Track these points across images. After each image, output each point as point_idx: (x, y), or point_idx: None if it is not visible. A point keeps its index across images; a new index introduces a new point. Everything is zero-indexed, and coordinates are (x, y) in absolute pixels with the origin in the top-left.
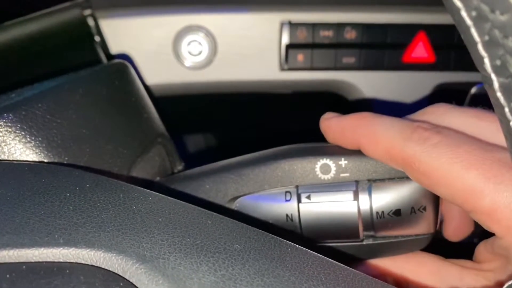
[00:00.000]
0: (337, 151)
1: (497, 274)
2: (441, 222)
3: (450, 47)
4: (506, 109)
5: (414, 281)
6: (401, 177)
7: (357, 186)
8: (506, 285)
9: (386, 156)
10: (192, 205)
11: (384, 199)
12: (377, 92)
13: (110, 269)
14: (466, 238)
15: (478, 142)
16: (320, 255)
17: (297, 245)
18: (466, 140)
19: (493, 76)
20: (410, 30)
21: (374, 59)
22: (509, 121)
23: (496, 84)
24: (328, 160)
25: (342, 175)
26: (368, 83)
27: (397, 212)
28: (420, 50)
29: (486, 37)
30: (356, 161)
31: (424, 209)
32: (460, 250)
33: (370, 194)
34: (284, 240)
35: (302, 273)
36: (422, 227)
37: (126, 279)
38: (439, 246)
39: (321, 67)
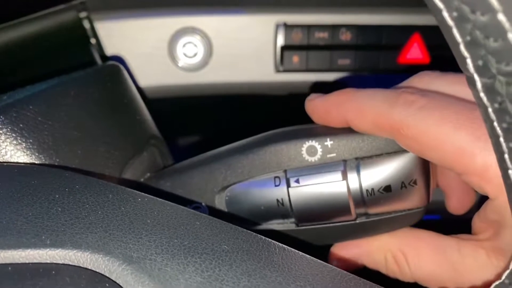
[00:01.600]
0: (321, 132)
1: (493, 241)
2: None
3: (445, 48)
4: (490, 109)
5: (413, 255)
6: (389, 153)
7: (345, 165)
8: (493, 285)
9: (373, 127)
10: (180, 206)
11: (373, 176)
12: None
13: (97, 270)
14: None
15: (465, 102)
16: (307, 255)
17: (285, 246)
18: (453, 101)
19: (476, 77)
20: (405, 32)
21: (369, 60)
22: (492, 121)
23: (479, 85)
24: (313, 141)
25: (329, 155)
26: (363, 84)
27: (387, 188)
28: (415, 51)
29: (468, 38)
30: (342, 140)
31: (415, 182)
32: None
33: (358, 173)
34: (272, 241)
35: (289, 273)
36: (414, 201)
37: (112, 280)
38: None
39: (316, 69)
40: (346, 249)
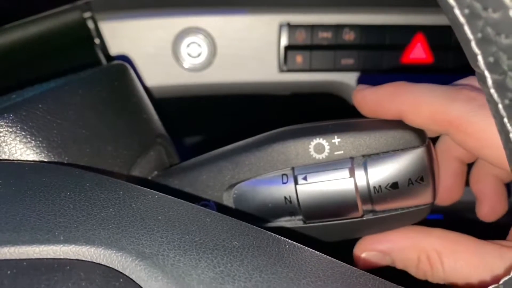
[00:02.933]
0: (329, 130)
1: None
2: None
3: (448, 48)
4: (500, 106)
5: (449, 257)
6: (396, 150)
7: (352, 162)
8: (502, 280)
9: (430, 121)
10: (191, 203)
11: (380, 173)
12: None
13: (110, 266)
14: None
15: None
16: (317, 251)
17: (295, 242)
18: None
19: (486, 73)
20: (408, 31)
21: (372, 60)
22: (502, 118)
23: (489, 81)
24: (321, 139)
25: (336, 153)
26: (366, 84)
27: (395, 185)
28: (418, 51)
29: (479, 35)
30: (349, 137)
31: (422, 179)
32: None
33: (366, 170)
34: (282, 238)
35: (300, 269)
36: (421, 198)
37: (126, 275)
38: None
39: (320, 69)
40: (377, 243)
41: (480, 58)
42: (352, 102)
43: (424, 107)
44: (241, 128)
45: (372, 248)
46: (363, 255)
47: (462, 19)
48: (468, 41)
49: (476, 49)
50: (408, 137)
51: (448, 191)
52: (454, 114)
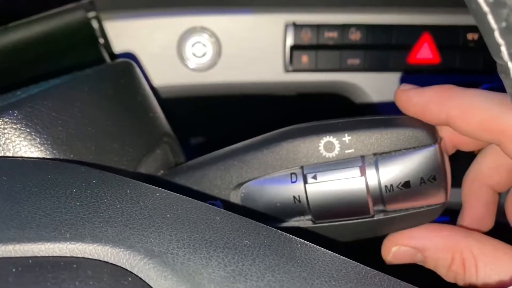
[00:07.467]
0: (339, 128)
1: None
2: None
3: (455, 48)
4: None
5: (486, 262)
6: (407, 148)
7: (363, 161)
8: None
9: (480, 128)
10: (199, 201)
11: (391, 172)
12: (382, 94)
13: (118, 264)
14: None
15: None
16: (329, 251)
17: (306, 241)
18: None
19: (510, 65)
20: (415, 31)
21: (379, 60)
22: None
23: None
24: (331, 137)
25: (346, 151)
26: (372, 84)
27: (406, 184)
28: (425, 51)
29: (504, 24)
30: (360, 135)
31: (434, 178)
32: None
33: (377, 168)
34: (293, 237)
35: (313, 269)
36: (433, 197)
37: (134, 274)
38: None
39: (325, 69)
40: (410, 238)
41: (503, 48)
42: (396, 102)
43: (475, 114)
44: (246, 129)
45: (405, 243)
46: (394, 249)
47: (485, 8)
48: (491, 31)
49: (499, 39)
50: (420, 136)
51: (479, 221)
52: (507, 122)
